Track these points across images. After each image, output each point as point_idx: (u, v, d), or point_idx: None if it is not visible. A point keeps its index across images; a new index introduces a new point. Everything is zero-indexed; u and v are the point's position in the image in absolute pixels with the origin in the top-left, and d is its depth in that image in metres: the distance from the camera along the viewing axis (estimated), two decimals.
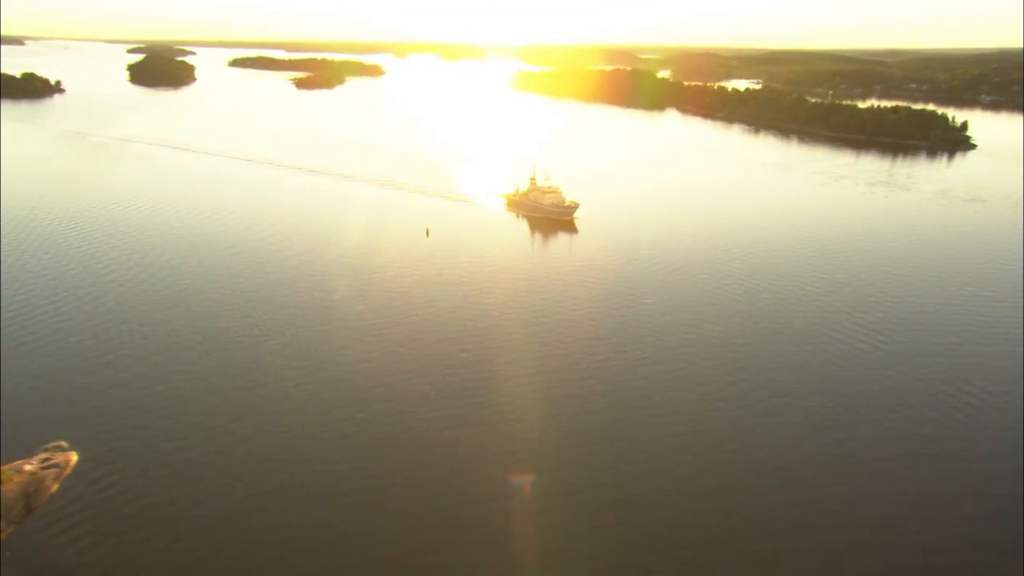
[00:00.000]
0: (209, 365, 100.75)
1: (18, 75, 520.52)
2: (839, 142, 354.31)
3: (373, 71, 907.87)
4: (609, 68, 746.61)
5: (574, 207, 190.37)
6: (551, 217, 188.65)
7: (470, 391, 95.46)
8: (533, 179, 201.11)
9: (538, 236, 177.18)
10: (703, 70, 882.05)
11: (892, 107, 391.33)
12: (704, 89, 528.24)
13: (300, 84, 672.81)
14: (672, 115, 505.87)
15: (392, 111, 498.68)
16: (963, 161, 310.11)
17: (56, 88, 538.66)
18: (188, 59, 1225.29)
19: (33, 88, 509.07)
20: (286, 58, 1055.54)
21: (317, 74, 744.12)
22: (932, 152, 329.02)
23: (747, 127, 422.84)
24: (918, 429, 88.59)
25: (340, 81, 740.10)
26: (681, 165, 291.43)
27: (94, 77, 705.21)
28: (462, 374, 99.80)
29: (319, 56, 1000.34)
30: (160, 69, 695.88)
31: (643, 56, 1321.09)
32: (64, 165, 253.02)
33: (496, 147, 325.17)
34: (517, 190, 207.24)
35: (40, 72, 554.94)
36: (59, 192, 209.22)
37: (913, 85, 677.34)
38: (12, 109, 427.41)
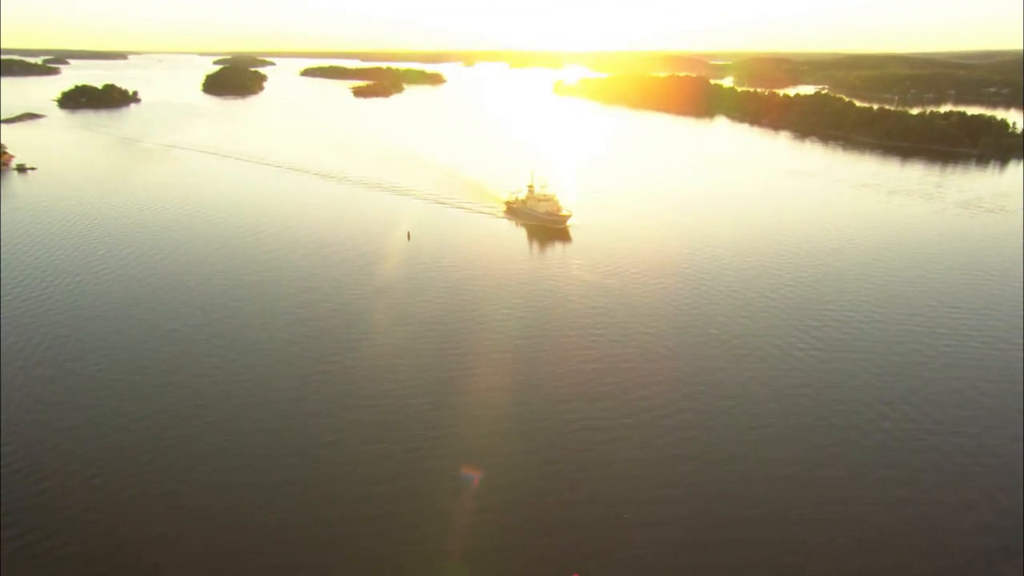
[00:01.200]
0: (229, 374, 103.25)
1: (100, 87, 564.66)
2: (882, 149, 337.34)
3: (434, 79, 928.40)
4: (664, 74, 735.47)
5: (567, 216, 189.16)
6: (545, 225, 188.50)
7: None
8: (531, 186, 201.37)
9: (529, 244, 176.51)
10: (768, 76, 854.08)
11: (944, 112, 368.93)
12: (752, 95, 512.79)
13: (358, 92, 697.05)
14: (719, 121, 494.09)
15: (432, 117, 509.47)
16: (1013, 170, 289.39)
17: (133, 98, 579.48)
18: (267, 69, 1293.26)
19: (111, 99, 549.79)
20: (356, 67, 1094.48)
21: (377, 83, 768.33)
22: (982, 160, 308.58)
23: (792, 134, 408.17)
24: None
25: (398, 89, 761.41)
26: (702, 173, 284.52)
27: (172, 88, 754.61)
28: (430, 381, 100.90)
29: (384, 65, 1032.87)
30: (231, 79, 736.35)
31: (712, 62, 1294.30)
32: (104, 168, 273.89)
33: (516, 154, 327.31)
34: (516, 197, 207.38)
35: (121, 84, 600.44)
36: (91, 193, 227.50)
37: (992, 89, 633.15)
38: (87, 118, 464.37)
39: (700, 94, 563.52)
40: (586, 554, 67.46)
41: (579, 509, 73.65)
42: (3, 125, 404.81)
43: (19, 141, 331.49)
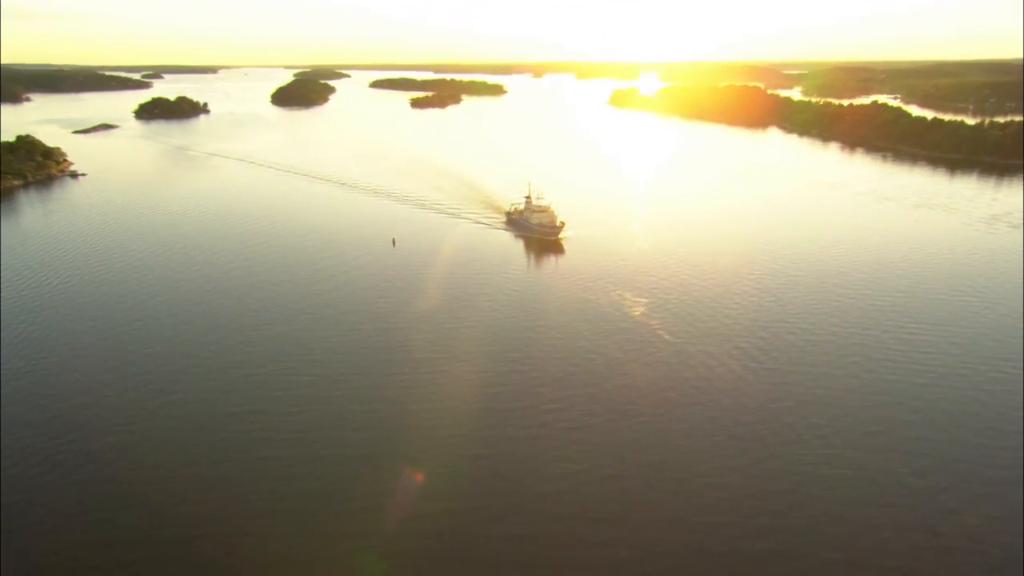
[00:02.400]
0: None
1: (173, 99, 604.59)
2: (929, 161, 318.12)
3: (495, 90, 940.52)
4: (723, 85, 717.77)
5: (560, 228, 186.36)
6: (537, 237, 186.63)
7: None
8: (528, 197, 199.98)
9: (519, 255, 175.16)
10: (839, 85, 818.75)
11: (1004, 122, 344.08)
12: (805, 106, 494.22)
13: (415, 104, 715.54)
14: (770, 133, 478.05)
15: (471, 128, 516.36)
16: None
17: (203, 109, 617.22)
18: (341, 81, 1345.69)
19: (181, 110, 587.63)
20: (424, 79, 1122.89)
21: (436, 94, 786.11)
22: None
23: (841, 145, 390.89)
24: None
25: (456, 101, 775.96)
26: (723, 186, 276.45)
27: (245, 99, 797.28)
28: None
29: (449, 77, 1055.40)
30: (297, 92, 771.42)
31: (787, 72, 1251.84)
32: (145, 174, 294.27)
33: (534, 165, 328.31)
34: (515, 208, 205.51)
35: (201, 96, 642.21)
36: (125, 196, 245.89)
37: None
38: (155, 128, 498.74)
39: (754, 105, 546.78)
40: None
41: (511, 523, 73.50)
42: (79, 136, 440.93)
43: (84, 150, 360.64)
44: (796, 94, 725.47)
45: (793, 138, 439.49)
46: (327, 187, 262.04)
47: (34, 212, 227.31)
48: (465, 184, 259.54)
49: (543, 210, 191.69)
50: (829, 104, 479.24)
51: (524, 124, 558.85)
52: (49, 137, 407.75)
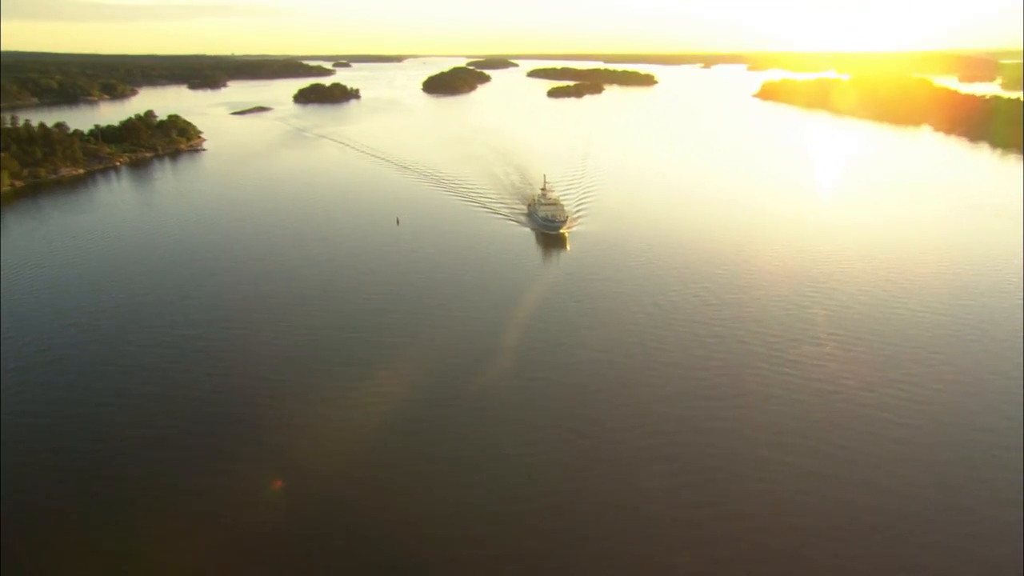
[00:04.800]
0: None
1: (328, 84, 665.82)
2: None
3: (645, 81, 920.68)
4: (895, 76, 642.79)
5: (563, 222, 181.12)
6: (542, 231, 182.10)
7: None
8: (544, 190, 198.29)
9: (524, 250, 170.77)
10: None
11: None
12: (965, 99, 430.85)
13: (552, 93, 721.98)
14: (920, 132, 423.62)
15: (585, 117, 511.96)
16: None
17: (354, 95, 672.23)
18: (506, 70, 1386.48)
19: (333, 95, 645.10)
20: (581, 67, 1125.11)
21: (578, 84, 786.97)
22: None
23: (993, 146, 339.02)
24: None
25: (596, 91, 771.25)
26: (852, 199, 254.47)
27: (404, 86, 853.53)
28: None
29: (603, 66, 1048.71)
30: (447, 80, 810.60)
31: (1004, 61, 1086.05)
32: (254, 150, 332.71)
33: (614, 156, 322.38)
34: (535, 200, 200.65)
35: (366, 83, 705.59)
36: (226, 168, 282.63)
37: None
38: (301, 110, 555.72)
39: (909, 100, 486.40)
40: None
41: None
42: (234, 116, 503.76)
43: (225, 127, 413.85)
44: (993, 88, 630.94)
45: (939, 138, 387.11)
46: (386, 168, 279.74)
47: (157, 176, 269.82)
48: (519, 173, 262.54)
49: (552, 203, 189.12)
50: (992, 98, 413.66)
51: (638, 114, 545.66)
52: (210, 117, 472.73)
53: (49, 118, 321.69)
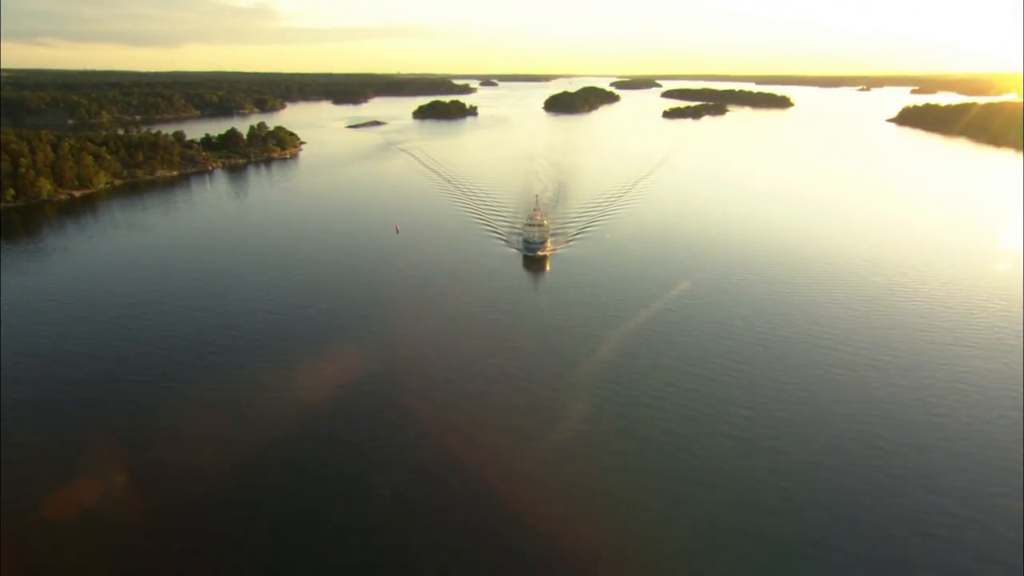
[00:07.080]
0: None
1: (447, 102, 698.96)
2: None
3: (780, 103, 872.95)
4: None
5: (542, 243, 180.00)
6: (523, 252, 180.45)
7: None
8: (536, 211, 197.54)
9: (503, 269, 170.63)
10: None
11: None
12: None
13: (668, 115, 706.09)
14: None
15: (682, 141, 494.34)
16: None
17: (471, 112, 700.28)
18: (641, 91, 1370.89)
19: (449, 112, 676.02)
20: (715, 88, 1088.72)
21: (701, 105, 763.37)
22: None
23: None
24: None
25: (718, 112, 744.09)
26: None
27: (527, 104, 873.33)
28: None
29: (739, 87, 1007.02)
30: (567, 100, 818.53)
31: None
32: (339, 158, 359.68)
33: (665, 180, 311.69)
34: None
35: (499, 101, 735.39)
36: (307, 173, 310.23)
37: None
38: (410, 124, 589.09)
39: None
40: None
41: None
42: (349, 129, 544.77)
43: (329, 138, 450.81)
44: None
45: None
46: (429, 179, 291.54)
47: (250, 178, 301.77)
48: (557, 188, 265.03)
49: (536, 225, 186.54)
50: None
51: (732, 136, 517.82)
52: (326, 129, 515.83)
53: (198, 128, 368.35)
